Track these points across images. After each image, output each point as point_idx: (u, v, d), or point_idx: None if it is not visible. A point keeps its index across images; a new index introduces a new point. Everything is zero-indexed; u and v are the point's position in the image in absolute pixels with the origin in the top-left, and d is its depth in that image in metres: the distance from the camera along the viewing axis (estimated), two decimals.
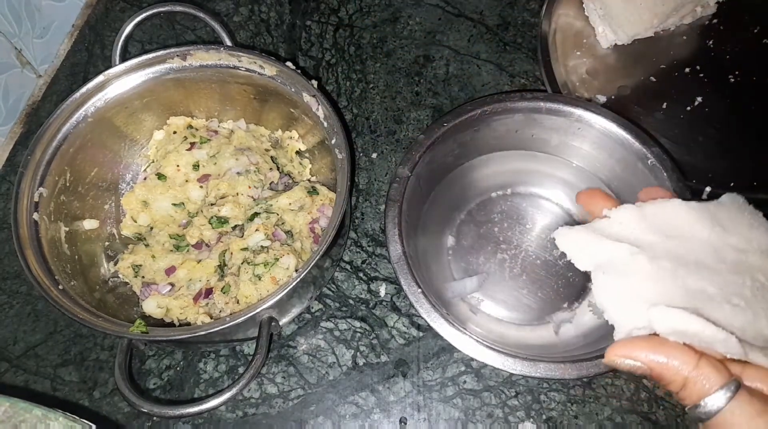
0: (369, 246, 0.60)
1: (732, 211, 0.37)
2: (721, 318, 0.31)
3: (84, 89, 0.54)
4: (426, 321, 0.46)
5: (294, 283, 0.46)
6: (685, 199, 0.37)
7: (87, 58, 0.71)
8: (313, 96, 0.54)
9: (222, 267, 0.54)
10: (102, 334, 0.57)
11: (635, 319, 0.31)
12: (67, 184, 0.54)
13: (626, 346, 0.30)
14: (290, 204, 0.56)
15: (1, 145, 0.67)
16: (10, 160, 0.66)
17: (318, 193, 0.57)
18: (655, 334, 0.31)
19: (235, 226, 0.56)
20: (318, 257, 0.46)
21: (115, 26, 0.73)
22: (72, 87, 0.69)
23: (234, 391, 0.44)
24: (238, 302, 0.52)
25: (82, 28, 0.73)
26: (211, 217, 0.56)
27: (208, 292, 0.53)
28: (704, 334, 0.30)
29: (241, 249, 0.53)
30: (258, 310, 0.45)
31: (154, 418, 0.53)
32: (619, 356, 0.30)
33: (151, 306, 0.53)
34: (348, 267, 0.59)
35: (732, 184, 0.59)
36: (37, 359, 0.56)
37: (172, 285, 0.54)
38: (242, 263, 0.53)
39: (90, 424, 0.41)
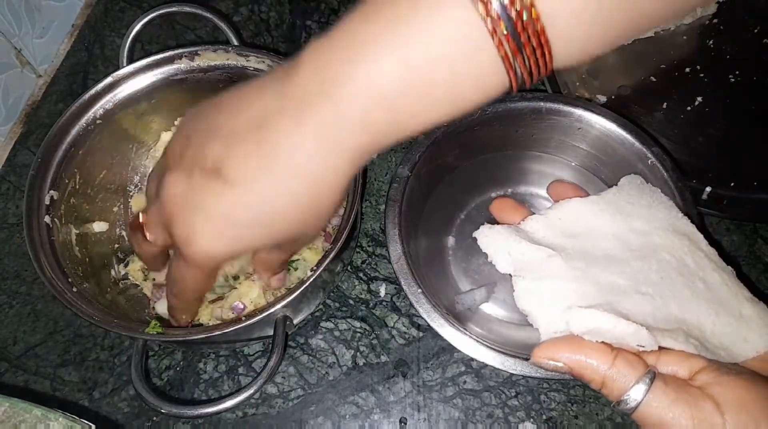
0: (369, 246, 0.60)
1: (632, 194, 0.39)
2: (632, 309, 0.33)
3: (92, 91, 0.54)
4: (426, 321, 0.46)
5: (310, 281, 0.46)
6: (594, 198, 0.39)
7: (87, 58, 0.71)
8: None
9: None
10: (102, 334, 0.57)
11: (556, 322, 0.33)
12: (77, 187, 0.54)
13: (549, 348, 0.32)
14: None
15: (1, 145, 0.67)
16: (10, 160, 0.66)
17: None
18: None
19: None
20: (333, 254, 0.46)
21: (115, 26, 0.73)
22: (72, 87, 0.69)
23: (252, 390, 0.44)
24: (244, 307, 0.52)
25: (82, 28, 0.73)
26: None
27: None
28: (616, 331, 0.31)
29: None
30: (274, 309, 0.45)
31: (154, 418, 0.53)
32: (542, 357, 0.32)
33: (166, 307, 0.53)
34: (348, 267, 0.59)
35: (732, 184, 0.59)
36: (37, 359, 0.56)
37: None
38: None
39: (90, 424, 0.41)
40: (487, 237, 0.37)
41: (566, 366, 0.31)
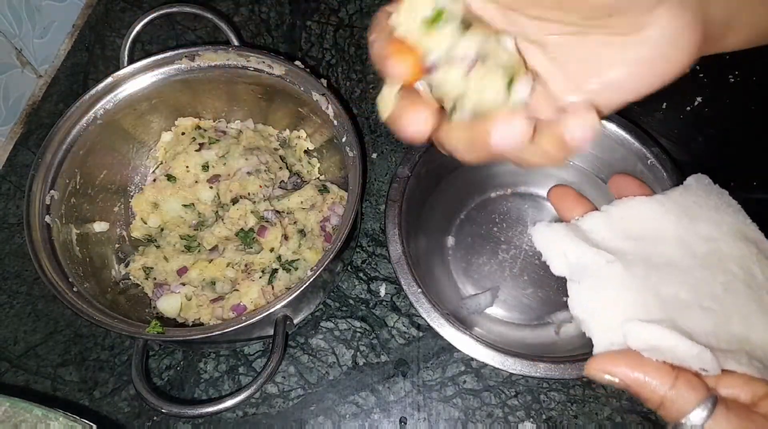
0: (369, 246, 0.60)
1: (699, 195, 0.36)
2: (693, 326, 0.31)
3: (93, 91, 0.54)
4: (426, 321, 0.46)
5: (311, 281, 0.46)
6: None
7: (87, 58, 0.71)
8: (323, 94, 0.54)
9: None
10: (102, 334, 0.57)
11: (612, 333, 0.31)
12: (78, 187, 0.54)
13: (606, 362, 0.30)
14: (302, 202, 0.56)
15: (1, 145, 0.67)
16: (10, 160, 0.66)
17: (329, 192, 0.57)
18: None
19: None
20: (333, 254, 0.46)
21: (115, 26, 0.73)
22: (72, 87, 0.70)
23: (252, 390, 0.44)
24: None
25: (83, 28, 0.73)
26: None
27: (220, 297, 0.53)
28: (678, 350, 0.29)
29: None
30: (274, 309, 0.45)
31: (155, 417, 0.53)
32: (598, 370, 0.30)
33: (168, 304, 0.53)
34: (348, 267, 0.59)
35: (732, 184, 0.59)
36: (38, 359, 0.56)
37: (184, 285, 0.54)
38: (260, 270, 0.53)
39: (90, 424, 0.42)
40: (543, 235, 0.34)
41: (622, 382, 0.30)
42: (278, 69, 0.55)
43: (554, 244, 0.34)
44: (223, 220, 0.56)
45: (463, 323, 0.47)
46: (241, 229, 0.55)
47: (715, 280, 0.33)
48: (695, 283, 0.33)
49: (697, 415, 0.29)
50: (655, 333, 0.30)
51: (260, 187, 0.57)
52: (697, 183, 0.37)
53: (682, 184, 0.37)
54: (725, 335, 0.31)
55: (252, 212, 0.55)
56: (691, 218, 0.35)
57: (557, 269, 0.34)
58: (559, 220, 0.37)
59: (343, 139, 0.52)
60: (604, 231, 0.34)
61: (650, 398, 0.30)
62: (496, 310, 0.55)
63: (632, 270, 0.32)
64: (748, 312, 0.32)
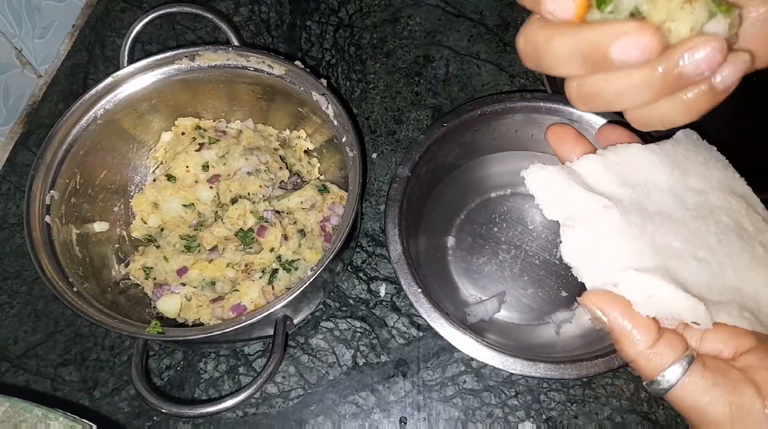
0: (369, 246, 0.60)
1: (688, 149, 0.36)
2: (687, 276, 0.30)
3: (93, 91, 0.54)
4: (426, 321, 0.46)
5: (311, 281, 0.46)
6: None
7: (87, 58, 0.71)
8: (323, 94, 0.54)
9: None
10: (102, 334, 0.57)
11: (606, 280, 0.30)
12: (77, 187, 0.54)
13: (602, 299, 0.30)
14: (302, 202, 0.56)
15: (2, 145, 0.67)
16: (11, 160, 0.66)
17: (329, 192, 0.57)
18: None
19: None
20: (333, 254, 0.46)
21: (115, 26, 0.73)
22: (72, 87, 0.70)
23: (252, 390, 0.44)
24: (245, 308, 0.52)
25: (83, 28, 0.73)
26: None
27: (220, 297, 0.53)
28: (671, 302, 0.29)
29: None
30: (274, 309, 0.45)
31: (155, 417, 0.53)
32: (592, 304, 0.30)
33: (168, 304, 0.53)
34: (348, 267, 0.59)
35: None
36: (38, 359, 0.56)
37: (184, 285, 0.54)
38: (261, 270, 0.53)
39: (90, 424, 0.41)
40: (537, 178, 0.33)
41: (609, 324, 0.30)
42: (278, 69, 0.55)
43: (548, 188, 0.33)
44: (222, 220, 0.56)
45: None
46: (241, 229, 0.55)
47: (708, 231, 0.32)
48: (689, 233, 0.32)
49: (673, 372, 0.29)
50: (650, 283, 0.29)
51: (260, 187, 0.57)
52: (686, 137, 0.37)
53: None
54: (718, 286, 0.31)
55: (252, 212, 0.55)
56: (682, 171, 0.34)
57: (551, 213, 0.33)
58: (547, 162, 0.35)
59: (343, 139, 0.52)
60: (600, 175, 0.33)
61: (626, 350, 0.30)
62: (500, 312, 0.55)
63: (628, 217, 0.31)
64: (741, 263, 0.32)
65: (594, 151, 0.35)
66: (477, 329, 0.53)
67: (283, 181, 0.60)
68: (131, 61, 0.55)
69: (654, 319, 0.30)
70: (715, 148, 0.37)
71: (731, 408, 0.28)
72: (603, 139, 0.37)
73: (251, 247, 0.55)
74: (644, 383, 0.31)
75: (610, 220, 0.31)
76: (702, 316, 0.29)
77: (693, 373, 0.29)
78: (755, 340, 0.31)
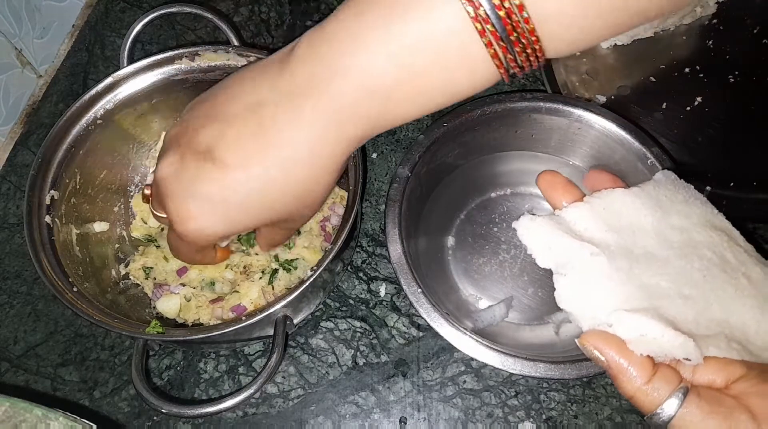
0: (369, 246, 0.60)
1: (669, 189, 0.38)
2: (676, 314, 0.32)
3: (93, 91, 0.54)
4: (426, 321, 0.46)
5: (310, 281, 0.46)
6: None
7: (87, 58, 0.71)
8: None
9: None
10: (102, 334, 0.57)
11: (600, 323, 0.32)
12: (77, 187, 0.54)
13: (600, 340, 0.32)
14: None
15: (2, 145, 0.67)
16: (10, 160, 0.66)
17: None
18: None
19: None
20: (333, 254, 0.46)
21: (115, 26, 0.73)
22: (72, 87, 0.70)
23: (252, 390, 0.44)
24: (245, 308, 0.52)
25: (83, 28, 0.73)
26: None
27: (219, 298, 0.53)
28: (663, 340, 0.31)
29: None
30: (274, 309, 0.45)
31: (155, 417, 0.53)
32: (590, 344, 0.32)
33: (168, 304, 0.53)
34: (348, 267, 0.59)
35: (732, 184, 0.59)
36: (38, 359, 0.56)
37: (184, 286, 0.54)
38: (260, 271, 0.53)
39: (90, 424, 0.41)
40: (527, 229, 0.35)
41: (606, 362, 0.32)
42: None
43: (539, 238, 0.35)
44: None
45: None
46: None
47: (692, 267, 0.34)
48: (675, 272, 0.34)
49: (670, 405, 0.30)
50: (641, 323, 0.31)
51: None
52: (665, 178, 0.39)
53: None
54: (705, 321, 0.33)
55: None
56: (664, 211, 0.36)
57: (543, 262, 0.35)
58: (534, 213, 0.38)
59: None
60: (588, 222, 0.35)
61: (625, 387, 0.32)
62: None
63: (616, 262, 0.33)
64: (725, 296, 0.33)
65: (582, 197, 0.37)
66: (477, 329, 0.53)
67: None
68: (131, 61, 0.55)
69: (649, 357, 0.31)
70: (692, 186, 0.39)
71: None
72: (590, 185, 0.39)
73: (252, 247, 0.55)
74: (644, 417, 0.32)
75: (599, 266, 0.33)
76: (692, 352, 0.31)
77: (689, 404, 0.30)
78: (745, 368, 0.32)
